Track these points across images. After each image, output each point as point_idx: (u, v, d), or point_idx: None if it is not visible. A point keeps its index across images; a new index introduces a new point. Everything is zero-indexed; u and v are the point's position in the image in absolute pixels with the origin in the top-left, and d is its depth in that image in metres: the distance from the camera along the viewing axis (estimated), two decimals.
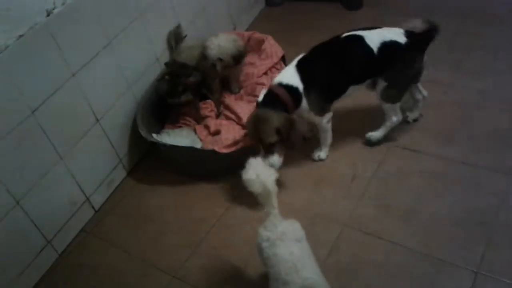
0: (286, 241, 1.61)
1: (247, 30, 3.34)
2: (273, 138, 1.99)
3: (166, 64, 2.53)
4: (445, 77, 2.65)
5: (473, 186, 2.09)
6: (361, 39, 2.07)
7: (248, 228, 2.14)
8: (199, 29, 2.91)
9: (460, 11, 3.10)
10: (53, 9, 1.97)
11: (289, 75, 2.06)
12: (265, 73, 2.62)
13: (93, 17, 2.16)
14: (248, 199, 2.23)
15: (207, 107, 2.57)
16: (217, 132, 2.39)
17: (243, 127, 2.37)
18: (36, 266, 2.10)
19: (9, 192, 1.91)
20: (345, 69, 2.10)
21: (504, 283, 1.75)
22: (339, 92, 2.16)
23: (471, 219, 1.97)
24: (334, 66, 2.09)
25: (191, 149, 2.28)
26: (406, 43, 2.05)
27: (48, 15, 1.95)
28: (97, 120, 2.29)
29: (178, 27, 2.67)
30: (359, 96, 2.34)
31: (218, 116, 2.52)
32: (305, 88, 2.05)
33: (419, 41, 2.08)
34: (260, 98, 2.07)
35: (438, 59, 2.73)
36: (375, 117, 2.40)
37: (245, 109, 2.43)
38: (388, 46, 2.05)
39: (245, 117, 2.39)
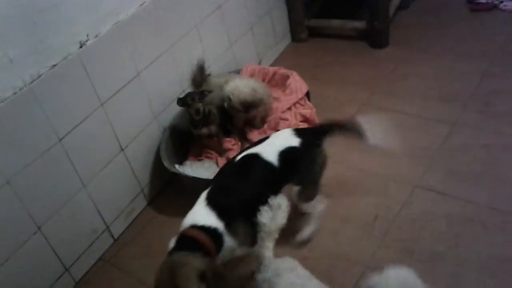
0: (283, 274, 1.62)
1: (272, 65, 3.38)
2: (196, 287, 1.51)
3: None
4: (473, 119, 2.61)
5: (500, 232, 2.03)
6: (257, 156, 1.89)
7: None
8: (225, 64, 2.96)
9: (487, 52, 3.08)
10: (86, 41, 2.04)
11: (203, 215, 1.78)
12: (289, 109, 2.63)
13: (124, 49, 2.22)
14: None
15: (231, 141, 2.58)
16: None
17: None
18: None
19: (32, 217, 1.93)
20: (255, 190, 1.85)
21: None
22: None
23: (499, 266, 1.90)
24: (245, 191, 1.85)
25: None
26: (301, 144, 1.93)
27: (81, 47, 2.01)
28: (122, 149, 2.32)
29: (201, 61, 2.67)
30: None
31: (242, 150, 2.52)
32: (226, 225, 1.75)
33: (313, 137, 1.97)
34: (171, 245, 1.72)
35: (466, 102, 2.72)
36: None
37: None
38: (285, 154, 1.90)
39: None
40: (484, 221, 2.08)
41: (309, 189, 2.02)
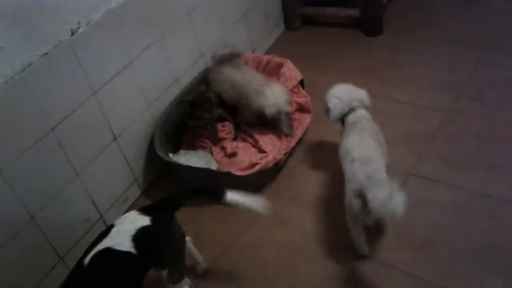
0: None
1: (266, 53, 3.37)
2: None
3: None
4: (465, 107, 2.62)
5: (492, 218, 2.04)
6: (109, 251, 1.57)
7: (261, 253, 2.12)
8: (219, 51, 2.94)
9: (481, 40, 3.08)
10: (78, 28, 2.01)
11: None
12: None
13: (116, 37, 2.20)
14: (261, 223, 2.24)
15: (225, 130, 2.57)
16: (233, 154, 2.38)
17: (260, 150, 2.36)
18: (47, 282, 2.09)
19: (25, 206, 1.92)
20: None
21: None
22: None
23: (491, 252, 1.92)
24: None
25: (207, 171, 2.28)
26: (152, 221, 1.65)
27: (72, 34, 1.98)
28: (115, 138, 2.30)
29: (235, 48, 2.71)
30: None
31: (235, 138, 2.52)
32: None
33: (162, 212, 1.74)
34: None
35: (459, 90, 2.72)
36: None
37: (262, 134, 2.43)
38: (140, 237, 1.61)
39: (261, 140, 2.39)
40: (477, 208, 2.10)
41: (176, 271, 1.79)
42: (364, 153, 1.89)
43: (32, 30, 1.83)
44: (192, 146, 2.57)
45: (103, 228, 2.28)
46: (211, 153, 2.48)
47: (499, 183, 2.18)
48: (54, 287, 2.13)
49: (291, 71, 2.72)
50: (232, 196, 1.74)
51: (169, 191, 2.45)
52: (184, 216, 2.32)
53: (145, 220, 1.65)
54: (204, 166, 2.36)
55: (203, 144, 2.55)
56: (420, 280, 1.88)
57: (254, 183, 2.35)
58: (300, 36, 3.57)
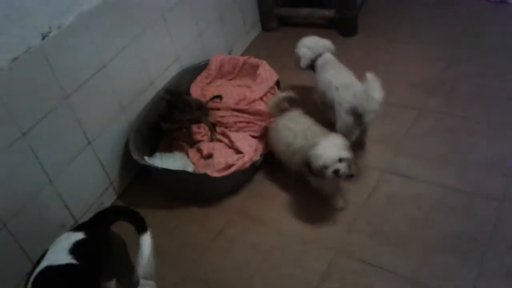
0: None
1: (242, 54, 3.37)
2: None
3: (168, 91, 2.50)
4: (439, 104, 2.66)
5: (466, 213, 2.08)
6: (49, 268, 1.51)
7: (238, 254, 2.12)
8: (195, 54, 2.94)
9: (454, 38, 3.13)
10: (49, 32, 1.99)
11: None
12: (261, 98, 2.63)
13: (88, 41, 2.18)
14: (239, 223, 2.24)
15: (200, 132, 2.57)
16: (209, 156, 2.38)
17: (236, 151, 2.36)
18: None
19: None
20: None
21: None
22: None
23: (465, 246, 1.95)
24: None
25: (183, 173, 2.27)
26: (87, 234, 1.62)
27: (43, 39, 1.96)
28: (89, 143, 2.28)
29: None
30: None
31: (212, 140, 2.52)
32: None
33: (97, 226, 1.71)
34: None
35: (432, 88, 2.76)
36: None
37: (238, 135, 2.44)
38: (78, 249, 1.56)
39: (238, 141, 2.39)
40: (451, 203, 2.13)
41: (123, 279, 1.76)
42: (344, 80, 2.30)
43: (0, 35, 1.81)
44: (169, 148, 2.56)
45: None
46: (188, 155, 2.47)
47: (472, 179, 2.21)
48: None
49: (267, 72, 2.73)
50: (144, 240, 1.72)
51: (145, 195, 2.48)
52: (159, 218, 2.33)
53: (79, 235, 1.62)
54: (181, 168, 2.35)
55: (179, 146, 2.54)
56: (397, 276, 1.90)
57: (231, 184, 2.35)
58: (277, 37, 3.58)
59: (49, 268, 1.51)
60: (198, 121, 2.58)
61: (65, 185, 2.17)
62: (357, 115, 2.14)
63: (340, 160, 1.94)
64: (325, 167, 1.94)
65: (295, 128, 2.19)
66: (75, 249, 1.56)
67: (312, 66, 2.54)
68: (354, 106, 2.14)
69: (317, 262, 2.01)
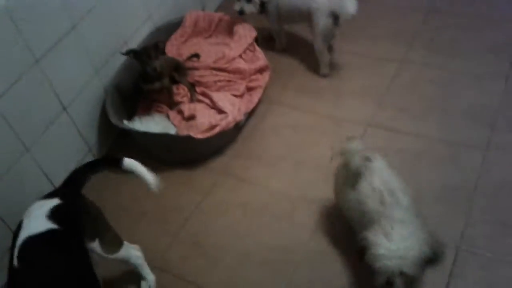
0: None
1: (216, 10, 3.24)
2: None
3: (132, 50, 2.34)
4: (419, 56, 2.65)
5: (450, 162, 2.10)
6: (31, 237, 1.44)
7: (228, 215, 2.10)
8: (168, 10, 2.80)
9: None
10: None
11: None
12: (240, 56, 2.55)
13: None
14: (226, 184, 2.21)
15: (180, 93, 2.48)
16: (191, 117, 2.31)
17: (219, 111, 2.30)
18: (5, 265, 1.99)
19: None
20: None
21: (484, 257, 1.77)
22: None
23: (451, 195, 1.98)
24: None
25: (166, 136, 2.20)
26: (62, 199, 1.56)
27: None
28: (64, 108, 2.17)
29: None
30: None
31: (192, 101, 2.44)
32: None
33: (70, 190, 1.67)
34: None
35: (412, 39, 2.74)
36: None
37: (220, 94, 2.37)
38: (54, 214, 1.50)
39: (219, 101, 2.33)
40: (435, 153, 2.15)
41: (106, 237, 1.68)
42: None
43: None
44: (147, 111, 2.47)
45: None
46: (168, 117, 2.40)
47: (455, 129, 2.24)
48: None
49: (245, 29, 2.64)
50: (130, 162, 1.76)
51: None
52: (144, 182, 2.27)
53: (52, 201, 1.55)
54: (162, 131, 2.28)
55: (159, 109, 2.46)
56: None
57: (215, 145, 2.30)
58: None
59: (31, 238, 1.43)
60: (177, 82, 2.49)
61: (42, 154, 2.08)
62: (335, 17, 2.38)
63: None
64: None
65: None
66: (53, 214, 1.49)
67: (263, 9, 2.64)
68: (332, 10, 2.36)
69: (307, 218, 2.02)
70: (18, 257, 1.40)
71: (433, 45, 2.70)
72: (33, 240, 1.43)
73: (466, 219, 1.89)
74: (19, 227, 1.51)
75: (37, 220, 1.48)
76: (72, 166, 2.25)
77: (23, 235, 1.45)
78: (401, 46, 2.72)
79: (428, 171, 2.09)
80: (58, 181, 2.18)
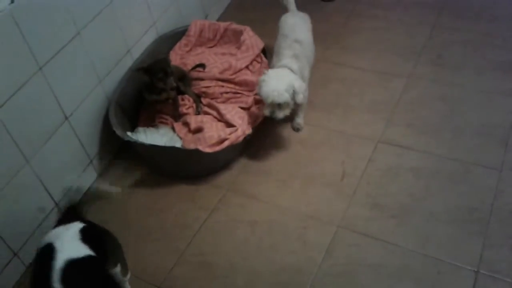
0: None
1: (219, 20, 3.19)
2: None
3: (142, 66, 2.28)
4: (427, 71, 2.62)
5: (464, 182, 2.06)
6: (73, 261, 1.39)
7: (235, 232, 2.03)
8: (172, 19, 2.73)
9: (436, 3, 3.08)
10: None
11: None
12: (247, 67, 2.49)
13: (61, 4, 1.94)
14: (233, 200, 2.13)
15: (185, 104, 2.40)
16: (198, 130, 2.23)
17: (227, 124, 2.23)
18: (2, 279, 1.89)
19: None
20: None
21: (505, 282, 1.73)
22: None
23: (466, 216, 1.94)
24: None
25: (172, 149, 2.12)
26: (85, 223, 1.54)
27: (12, 2, 1.72)
28: (66, 118, 2.08)
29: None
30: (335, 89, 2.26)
31: (197, 113, 2.37)
32: None
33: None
34: None
35: (419, 54, 2.71)
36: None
37: (228, 107, 2.30)
38: (86, 238, 1.47)
39: (228, 114, 2.26)
40: (449, 173, 2.11)
41: (124, 262, 1.70)
42: None
43: None
44: (151, 122, 2.39)
45: (57, 217, 2.11)
46: (173, 129, 2.31)
47: (468, 147, 2.20)
48: (10, 284, 1.94)
49: (252, 39, 2.58)
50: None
51: (127, 174, 2.32)
52: (147, 197, 2.19)
53: (77, 225, 1.50)
54: (168, 143, 2.20)
55: (163, 120, 2.37)
56: (400, 248, 1.87)
57: (223, 159, 2.23)
58: (253, 1, 3.40)
59: (72, 261, 1.38)
60: (182, 92, 2.41)
61: (42, 166, 1.98)
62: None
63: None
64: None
65: None
66: (84, 238, 1.45)
67: None
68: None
69: (320, 238, 1.95)
70: (61, 280, 1.33)
71: (441, 60, 2.67)
72: (74, 263, 1.38)
73: (483, 241, 1.84)
74: (50, 249, 1.41)
75: (72, 243, 1.44)
76: (72, 179, 2.17)
77: (62, 257, 1.38)
78: (408, 61, 2.69)
79: (441, 190, 2.05)
80: (58, 195, 2.10)
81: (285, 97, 2.06)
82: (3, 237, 1.85)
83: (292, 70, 2.17)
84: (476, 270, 1.76)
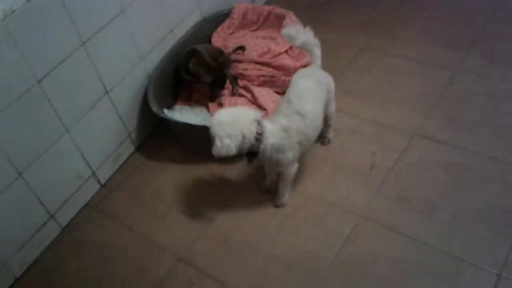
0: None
1: (266, 3, 3.19)
2: None
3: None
4: (475, 65, 2.49)
5: (500, 182, 1.97)
6: None
7: (258, 213, 2.06)
8: (216, 1, 2.77)
9: None
10: None
11: None
12: (286, 52, 2.49)
13: None
14: (258, 182, 2.16)
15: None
16: None
17: (259, 107, 2.25)
18: (38, 240, 2.04)
19: (12, 163, 1.83)
20: None
21: None
22: None
23: (499, 217, 1.85)
24: None
25: (204, 128, 2.17)
26: None
27: None
28: (107, 92, 2.18)
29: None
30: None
31: (233, 94, 2.40)
32: None
33: None
34: None
35: (469, 47, 2.59)
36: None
37: (262, 90, 2.31)
38: None
39: (261, 97, 2.27)
40: (484, 171, 2.02)
41: None
42: None
43: None
44: (188, 101, 2.45)
45: (95, 185, 2.25)
46: (208, 109, 2.37)
47: (507, 145, 2.09)
48: (45, 244, 2.09)
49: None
50: None
51: (163, 148, 2.41)
52: (177, 172, 2.27)
53: None
54: (201, 123, 2.26)
55: (199, 100, 2.43)
56: (422, 244, 1.82)
57: None
58: None
59: None
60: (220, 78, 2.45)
61: (81, 136, 2.10)
62: None
63: None
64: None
65: None
66: None
67: None
68: None
69: (341, 226, 1.94)
70: None
71: (491, 55, 2.54)
72: None
73: (511, 244, 1.76)
74: None
75: None
76: (110, 150, 2.29)
77: None
78: (457, 53, 2.58)
79: (473, 188, 1.97)
80: (95, 164, 2.22)
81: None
82: (40, 199, 1.99)
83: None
84: (498, 273, 1.69)
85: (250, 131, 1.73)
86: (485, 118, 2.23)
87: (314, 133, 1.93)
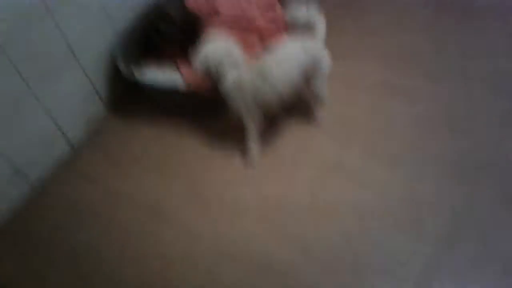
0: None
1: None
2: None
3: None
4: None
5: None
6: None
7: (234, 168, 2.08)
8: None
9: None
10: None
11: None
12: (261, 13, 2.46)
13: None
14: (234, 136, 2.16)
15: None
16: None
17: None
18: (6, 200, 2.05)
19: None
20: None
21: None
22: None
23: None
24: None
25: (172, 86, 2.17)
26: None
27: None
28: (73, 52, 2.15)
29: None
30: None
31: None
32: None
33: None
34: None
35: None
36: None
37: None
38: None
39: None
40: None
41: None
42: None
43: None
44: (157, 61, 2.43)
45: (66, 147, 2.22)
46: (178, 69, 2.35)
47: None
48: (12, 202, 2.10)
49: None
50: None
51: (136, 110, 2.39)
52: (155, 132, 2.26)
53: None
54: (171, 83, 2.24)
55: (169, 58, 2.41)
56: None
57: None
58: None
59: None
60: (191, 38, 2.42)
61: (49, 97, 2.08)
62: None
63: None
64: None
65: None
66: None
67: None
68: None
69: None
70: None
71: None
72: None
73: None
74: None
75: None
76: (79, 111, 2.27)
77: None
78: None
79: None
80: (65, 125, 2.20)
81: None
82: (9, 158, 1.99)
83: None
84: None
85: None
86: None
87: (274, 98, 1.94)
